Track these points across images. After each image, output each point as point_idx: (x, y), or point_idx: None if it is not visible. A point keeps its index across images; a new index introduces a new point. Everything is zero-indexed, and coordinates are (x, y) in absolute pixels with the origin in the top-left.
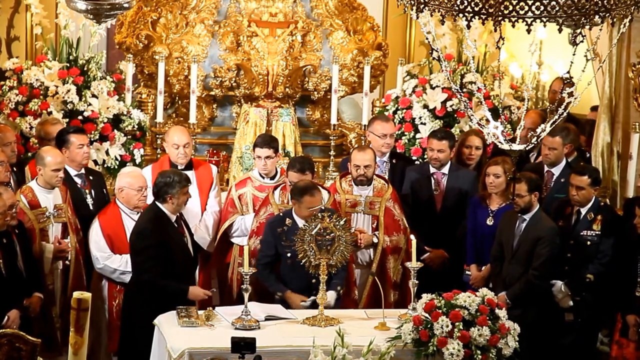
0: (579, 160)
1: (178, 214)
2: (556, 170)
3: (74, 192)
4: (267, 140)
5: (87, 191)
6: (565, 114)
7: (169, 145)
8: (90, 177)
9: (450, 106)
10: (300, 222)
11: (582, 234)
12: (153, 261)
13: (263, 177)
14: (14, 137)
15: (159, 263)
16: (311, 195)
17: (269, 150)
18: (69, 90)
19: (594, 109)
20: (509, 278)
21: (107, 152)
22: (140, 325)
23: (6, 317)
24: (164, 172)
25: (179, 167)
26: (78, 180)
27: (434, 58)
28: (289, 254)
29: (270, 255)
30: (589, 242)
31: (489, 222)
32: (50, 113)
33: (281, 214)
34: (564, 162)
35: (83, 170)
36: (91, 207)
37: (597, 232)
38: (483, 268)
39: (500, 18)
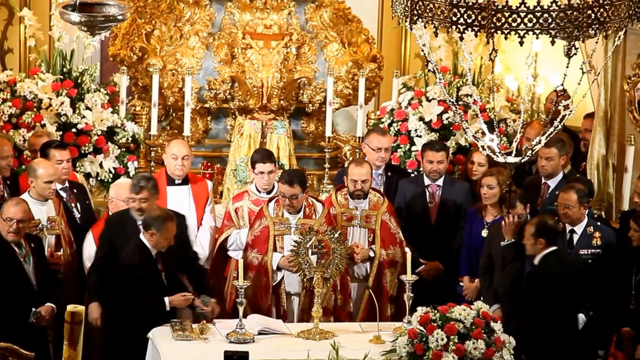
0: (573, 172)
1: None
2: (552, 183)
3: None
4: (268, 155)
5: (72, 204)
6: (560, 126)
7: (168, 156)
8: (74, 190)
9: (447, 119)
10: None
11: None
12: (102, 252)
13: (260, 191)
14: (11, 151)
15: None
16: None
17: (271, 165)
18: (62, 103)
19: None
20: (502, 289)
21: (100, 165)
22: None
23: None
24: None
25: (176, 181)
26: (63, 194)
27: (429, 70)
28: None
29: None
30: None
31: (484, 233)
32: (44, 125)
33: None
34: (560, 175)
35: (67, 184)
36: (78, 221)
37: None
38: (476, 280)
39: (492, 30)
